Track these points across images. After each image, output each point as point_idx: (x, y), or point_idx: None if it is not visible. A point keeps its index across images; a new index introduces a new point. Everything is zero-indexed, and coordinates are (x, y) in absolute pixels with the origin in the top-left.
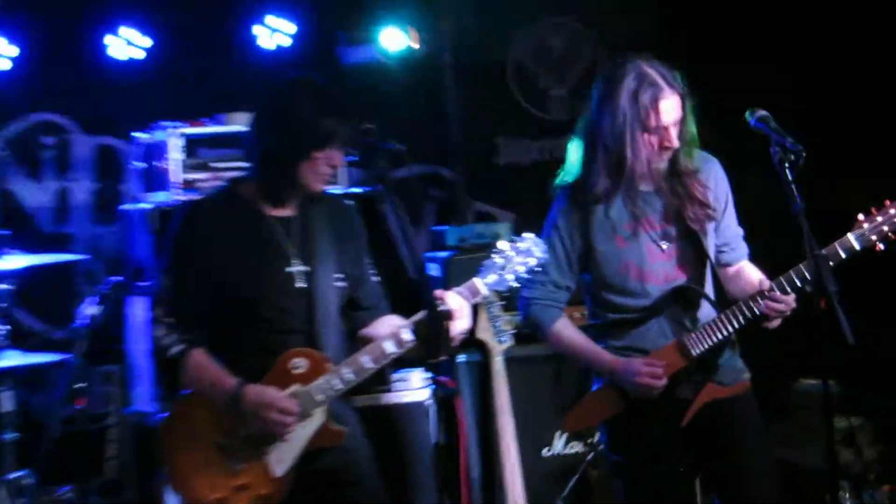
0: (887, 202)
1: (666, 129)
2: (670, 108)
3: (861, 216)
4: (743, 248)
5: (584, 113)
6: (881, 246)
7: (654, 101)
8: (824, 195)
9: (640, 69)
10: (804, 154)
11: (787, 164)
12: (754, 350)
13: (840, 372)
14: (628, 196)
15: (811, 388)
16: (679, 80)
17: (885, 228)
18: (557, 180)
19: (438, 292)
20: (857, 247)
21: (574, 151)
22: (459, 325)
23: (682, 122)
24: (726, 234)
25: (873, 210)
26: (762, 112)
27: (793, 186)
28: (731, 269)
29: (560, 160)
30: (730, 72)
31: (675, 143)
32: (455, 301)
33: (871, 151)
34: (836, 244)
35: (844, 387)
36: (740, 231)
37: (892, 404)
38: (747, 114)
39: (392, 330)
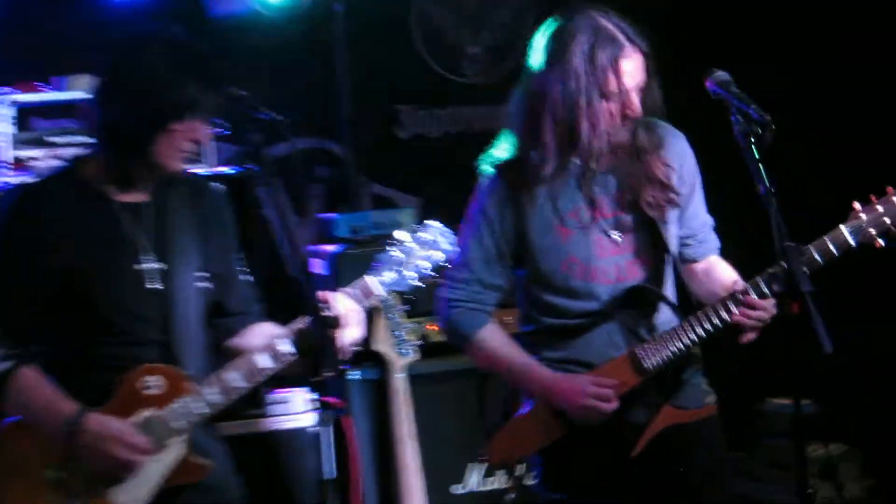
0: (889, 189)
1: (628, 94)
2: (633, 68)
3: (858, 205)
4: (712, 241)
5: (524, 76)
6: (881, 242)
7: (614, 61)
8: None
9: (596, 22)
10: (773, 126)
11: (751, 139)
12: (712, 362)
13: (816, 389)
14: (578, 177)
15: (781, 409)
16: (641, 35)
17: (888, 220)
18: (485, 158)
19: (323, 294)
20: (852, 242)
21: (510, 127)
22: (349, 335)
23: (646, 87)
24: (692, 224)
25: (873, 198)
26: (721, 74)
27: (759, 165)
28: (698, 266)
29: (475, 132)
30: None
31: (639, 111)
32: (344, 305)
33: (866, 149)
34: (826, 238)
35: (822, 407)
36: (709, 220)
37: (882, 427)
38: (705, 76)
39: (267, 341)
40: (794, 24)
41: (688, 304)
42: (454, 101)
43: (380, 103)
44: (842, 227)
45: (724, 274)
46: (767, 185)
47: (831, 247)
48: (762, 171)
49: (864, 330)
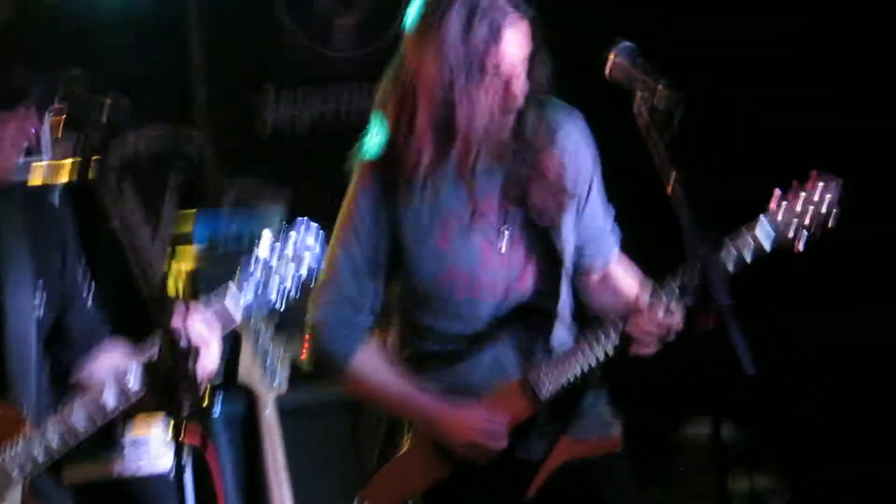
0: (814, 173)
1: (513, 69)
2: (518, 39)
3: (774, 204)
4: (609, 245)
5: (395, 54)
6: (801, 247)
7: (496, 32)
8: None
9: None
10: (682, 104)
11: (655, 118)
12: (618, 387)
13: (738, 413)
14: (458, 175)
15: (700, 436)
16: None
17: (807, 220)
18: (358, 152)
19: (177, 320)
20: (766, 246)
21: (382, 110)
22: (207, 365)
23: (533, 62)
24: (588, 231)
25: (792, 189)
26: (626, 44)
27: (665, 150)
28: (595, 278)
29: (350, 116)
30: None
31: (526, 87)
32: (199, 332)
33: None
34: (734, 242)
35: (746, 433)
36: (608, 224)
37: (813, 455)
38: (609, 49)
39: (114, 374)
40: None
41: (587, 321)
42: (325, 81)
43: (241, 85)
44: (756, 226)
45: (623, 284)
46: (675, 173)
47: (742, 250)
48: (668, 157)
49: (789, 347)
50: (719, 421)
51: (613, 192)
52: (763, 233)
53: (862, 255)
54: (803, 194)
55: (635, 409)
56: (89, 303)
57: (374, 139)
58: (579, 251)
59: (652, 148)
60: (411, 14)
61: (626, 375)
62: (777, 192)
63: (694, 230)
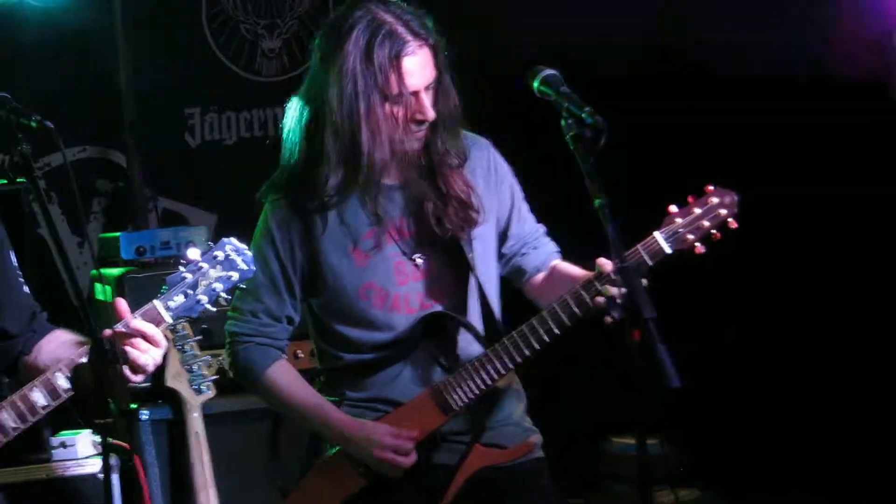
0: (708, 188)
1: (415, 95)
2: (418, 66)
3: (674, 208)
4: (550, 246)
5: (304, 79)
6: (701, 248)
7: (395, 59)
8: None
9: (374, 14)
10: (606, 130)
11: (581, 143)
12: (547, 399)
13: (664, 427)
14: (366, 193)
15: (625, 450)
16: (429, 26)
17: (706, 224)
18: (272, 177)
19: (121, 315)
20: (667, 250)
21: (291, 135)
22: (145, 358)
23: (438, 86)
24: (522, 232)
25: (690, 199)
26: (550, 72)
27: (593, 173)
28: (542, 276)
29: (276, 138)
30: None
31: (431, 115)
32: (139, 327)
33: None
34: (640, 248)
35: (672, 447)
36: (541, 227)
37: (740, 468)
38: (529, 76)
39: (66, 352)
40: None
41: (495, 332)
42: (250, 103)
43: (167, 106)
44: (655, 233)
45: (574, 269)
46: (602, 196)
47: (645, 256)
48: (596, 178)
49: (716, 359)
50: (643, 434)
51: (541, 205)
52: (661, 239)
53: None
54: (697, 209)
55: (560, 419)
56: (25, 295)
57: (287, 164)
58: (519, 253)
59: (583, 169)
60: (316, 46)
61: (552, 386)
62: (671, 207)
63: (619, 247)
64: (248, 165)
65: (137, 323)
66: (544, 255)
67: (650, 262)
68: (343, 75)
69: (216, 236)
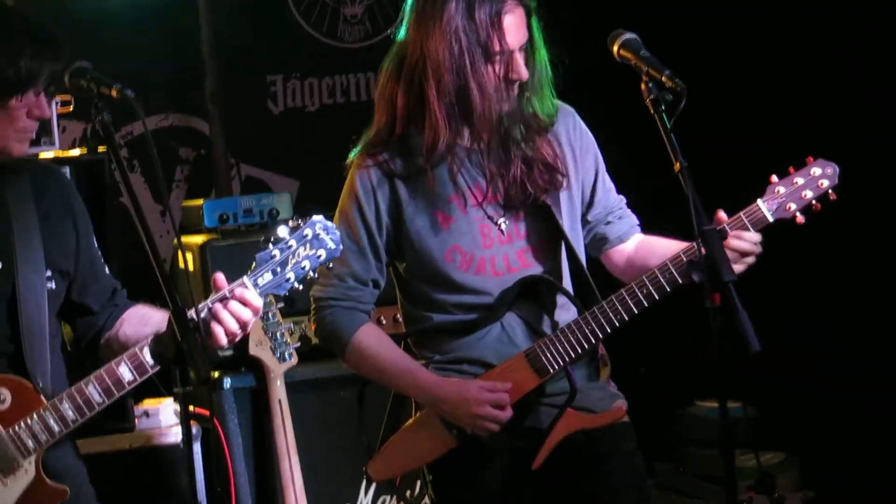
0: (809, 159)
1: (512, 54)
2: (515, 25)
3: (775, 178)
4: (633, 217)
5: (396, 41)
6: (801, 218)
7: (497, 16)
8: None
9: None
10: (685, 93)
11: (663, 107)
12: (628, 364)
13: (746, 391)
14: (460, 154)
15: (708, 414)
16: None
17: (808, 194)
18: (362, 140)
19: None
20: (770, 219)
21: (387, 97)
22: (238, 326)
23: (531, 47)
24: (607, 201)
25: (791, 170)
26: (629, 34)
27: (672, 137)
28: (628, 246)
29: (356, 104)
30: None
31: (525, 75)
32: (242, 294)
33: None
34: (742, 215)
35: (756, 411)
36: (622, 198)
37: (822, 432)
38: (609, 40)
39: (149, 327)
40: None
41: (590, 296)
42: (332, 69)
43: (249, 73)
44: (759, 201)
45: (667, 243)
46: (682, 159)
47: (748, 223)
48: (675, 144)
49: (797, 325)
50: (725, 398)
51: (620, 174)
52: (764, 207)
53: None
54: (799, 179)
55: (643, 384)
56: (105, 272)
57: (376, 127)
58: (605, 221)
59: (662, 135)
60: (412, 7)
61: (634, 352)
62: (773, 177)
63: (701, 212)
64: (329, 132)
65: (242, 291)
66: (627, 226)
67: (752, 230)
68: (446, 34)
69: (298, 203)
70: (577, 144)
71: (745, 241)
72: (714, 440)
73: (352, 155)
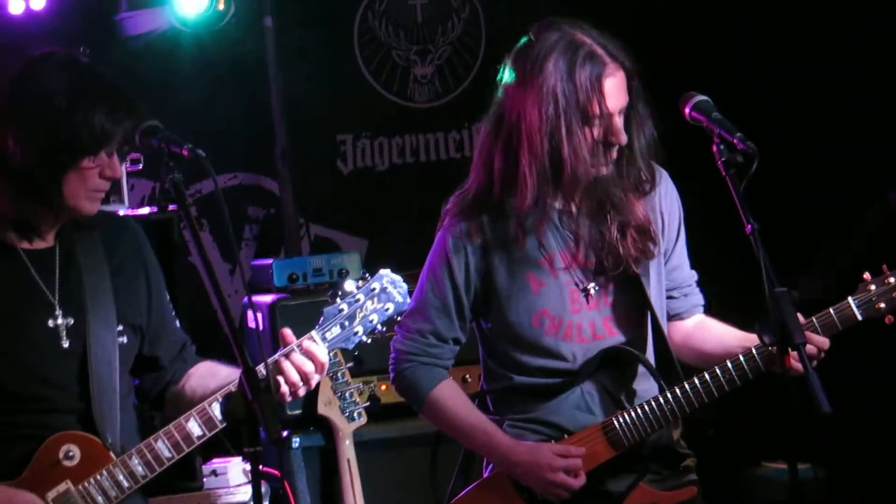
0: None
1: (611, 118)
2: (616, 88)
3: (868, 275)
4: (698, 296)
5: (494, 100)
6: (892, 317)
7: (597, 80)
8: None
9: (573, 37)
10: (758, 155)
11: (734, 169)
12: (695, 422)
13: (815, 452)
14: (553, 218)
15: (776, 475)
16: (624, 50)
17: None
18: (452, 196)
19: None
20: (859, 317)
21: (480, 158)
22: (305, 380)
23: (632, 112)
24: (678, 275)
25: (885, 268)
26: (701, 97)
27: (742, 199)
28: (687, 324)
29: (426, 164)
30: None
31: (624, 139)
32: (320, 353)
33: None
34: (832, 310)
35: (825, 471)
36: (694, 274)
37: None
38: (681, 101)
39: (216, 382)
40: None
41: (671, 369)
42: (402, 129)
43: (319, 132)
44: (850, 299)
45: (725, 328)
46: (753, 222)
47: (836, 320)
48: (745, 205)
49: (867, 386)
50: (795, 460)
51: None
52: (854, 305)
53: None
54: (892, 279)
55: (712, 444)
56: (176, 327)
57: (469, 186)
58: (668, 296)
59: (733, 197)
60: (510, 65)
61: (703, 414)
62: (866, 274)
63: (772, 274)
64: (399, 191)
65: (309, 344)
66: (690, 305)
67: (840, 327)
68: (544, 95)
69: (367, 263)
70: (667, 211)
71: (812, 343)
72: (782, 500)
73: (446, 210)
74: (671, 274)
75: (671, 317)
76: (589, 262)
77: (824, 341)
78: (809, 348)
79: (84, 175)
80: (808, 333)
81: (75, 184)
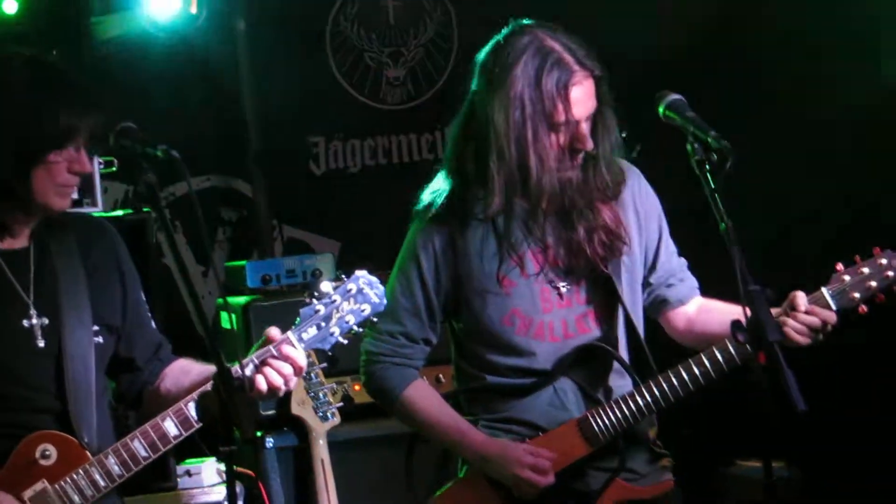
0: (877, 250)
1: (578, 125)
2: (583, 96)
3: (840, 266)
4: (692, 280)
5: (463, 103)
6: (865, 308)
7: (564, 88)
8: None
9: (542, 42)
10: (733, 154)
11: (708, 168)
12: (671, 422)
13: (790, 450)
14: (519, 219)
15: (750, 473)
16: (593, 57)
17: (874, 284)
18: (421, 199)
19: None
20: (832, 307)
21: (450, 161)
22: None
23: (599, 118)
24: (668, 264)
25: (858, 259)
26: (674, 96)
27: (717, 198)
28: (688, 310)
29: (398, 165)
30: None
31: (590, 145)
32: (290, 353)
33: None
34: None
35: (799, 470)
36: (684, 261)
37: (868, 492)
38: (655, 101)
39: (192, 378)
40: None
41: (645, 365)
42: (375, 131)
43: (291, 135)
44: (823, 289)
45: (728, 308)
46: (727, 220)
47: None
48: (721, 204)
49: (842, 384)
50: (770, 458)
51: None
52: (828, 295)
53: None
54: (865, 269)
55: (686, 443)
56: (152, 327)
57: (439, 188)
58: (666, 284)
59: (706, 196)
60: (479, 70)
61: (678, 408)
62: (839, 265)
63: (746, 272)
64: (371, 193)
65: (287, 348)
66: (687, 289)
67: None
68: (511, 100)
69: (340, 264)
70: (641, 208)
71: (818, 316)
72: (756, 499)
73: (414, 210)
74: (664, 265)
75: (673, 305)
76: (559, 262)
77: (831, 315)
78: (813, 320)
79: (52, 170)
80: (814, 307)
81: (43, 179)
